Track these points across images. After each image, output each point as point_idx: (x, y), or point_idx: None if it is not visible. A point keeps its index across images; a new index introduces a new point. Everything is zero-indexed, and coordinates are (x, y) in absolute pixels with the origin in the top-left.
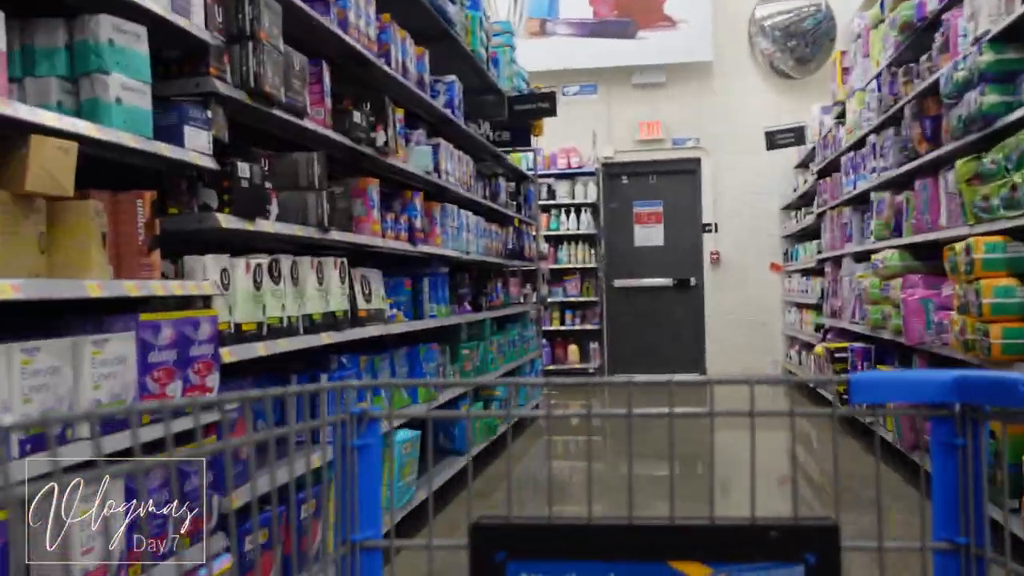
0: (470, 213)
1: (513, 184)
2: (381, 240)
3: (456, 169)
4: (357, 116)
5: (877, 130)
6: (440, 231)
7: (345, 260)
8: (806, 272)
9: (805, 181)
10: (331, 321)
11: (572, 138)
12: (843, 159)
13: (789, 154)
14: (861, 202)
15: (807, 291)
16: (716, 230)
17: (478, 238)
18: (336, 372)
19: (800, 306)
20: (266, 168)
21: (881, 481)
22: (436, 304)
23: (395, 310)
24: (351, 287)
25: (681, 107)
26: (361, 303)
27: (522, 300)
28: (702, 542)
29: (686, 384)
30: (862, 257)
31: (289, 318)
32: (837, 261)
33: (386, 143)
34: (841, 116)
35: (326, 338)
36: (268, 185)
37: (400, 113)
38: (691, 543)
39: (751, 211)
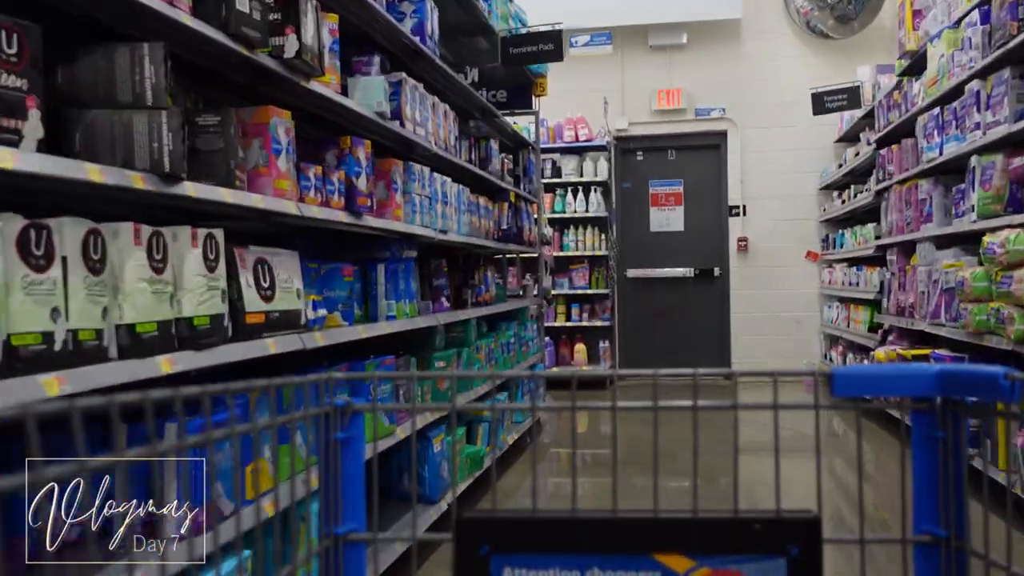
0: (448, 180)
1: (510, 155)
2: (292, 204)
3: (430, 120)
4: (243, 3)
5: (983, 73)
6: (402, 200)
7: (217, 233)
8: (855, 261)
9: (857, 154)
10: (187, 333)
11: (580, 107)
12: (920, 120)
13: (829, 128)
14: (947, 172)
15: (858, 283)
16: (744, 213)
17: (460, 213)
18: (197, 419)
19: (846, 301)
20: (12, 49)
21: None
22: (396, 300)
23: (324, 311)
24: (232, 277)
25: (705, 73)
26: (252, 303)
27: (521, 293)
28: (686, 535)
29: (670, 376)
30: (949, 241)
31: (75, 333)
32: (906, 247)
33: (300, 54)
34: (911, 70)
35: (166, 364)
36: (20, 84)
37: (333, 21)
38: (675, 536)
39: (785, 192)
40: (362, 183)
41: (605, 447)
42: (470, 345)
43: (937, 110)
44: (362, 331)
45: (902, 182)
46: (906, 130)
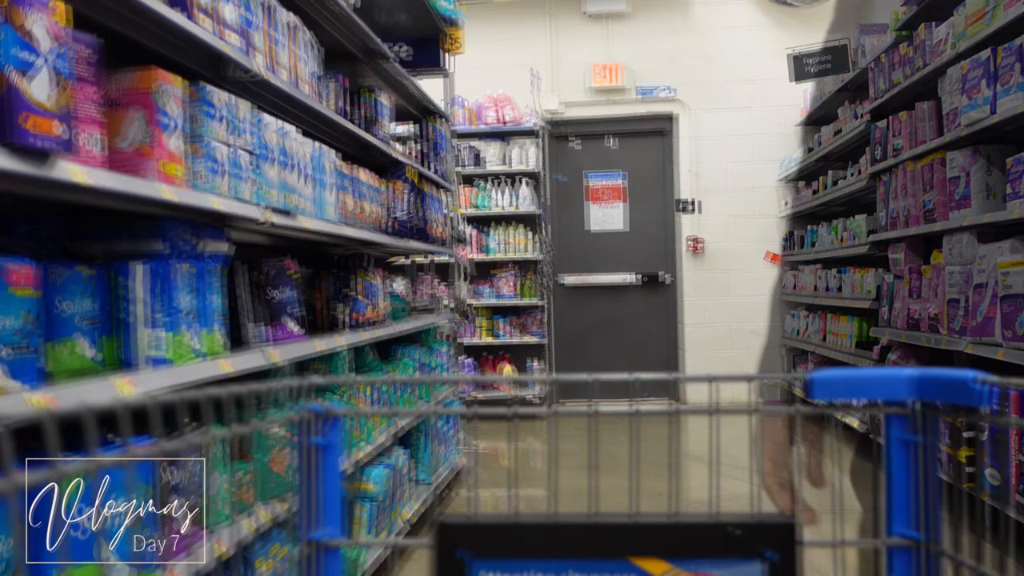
0: (292, 129)
1: (415, 125)
2: None
3: (259, 32)
4: None
5: None
6: (185, 148)
7: None
8: (834, 262)
9: (838, 131)
10: None
11: (505, 84)
12: (951, 73)
13: (790, 109)
14: (992, 140)
15: (840, 289)
16: (697, 210)
17: (322, 188)
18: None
19: (819, 310)
20: None
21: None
22: (174, 329)
23: None
24: None
25: (649, 45)
26: None
27: (432, 305)
28: (663, 538)
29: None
30: (998, 232)
31: None
32: (916, 243)
33: None
34: (922, 16)
35: None
36: None
37: None
38: (652, 539)
39: (743, 184)
40: (39, 88)
41: (539, 486)
42: (338, 389)
43: (987, 53)
44: (40, 401)
45: (918, 157)
46: (921, 91)
